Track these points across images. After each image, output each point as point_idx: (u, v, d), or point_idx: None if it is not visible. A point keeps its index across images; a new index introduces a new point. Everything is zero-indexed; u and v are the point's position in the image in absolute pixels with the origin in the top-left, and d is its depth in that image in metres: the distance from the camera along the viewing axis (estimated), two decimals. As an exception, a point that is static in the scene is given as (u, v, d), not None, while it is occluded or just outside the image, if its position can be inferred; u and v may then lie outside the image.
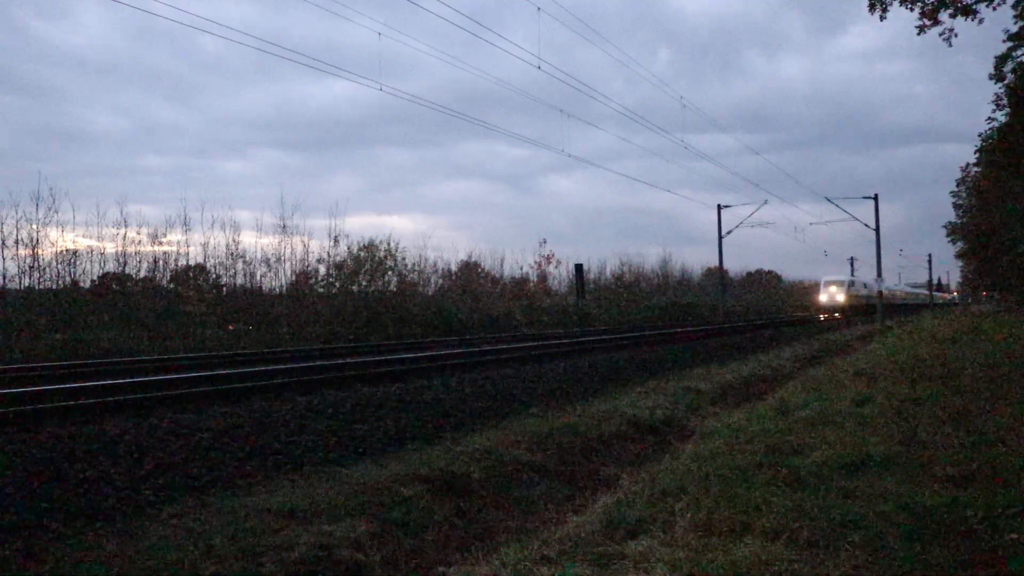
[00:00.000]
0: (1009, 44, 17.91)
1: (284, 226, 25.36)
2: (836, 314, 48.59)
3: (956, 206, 57.71)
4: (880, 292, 42.83)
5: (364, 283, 27.90)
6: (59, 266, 20.06)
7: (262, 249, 28.46)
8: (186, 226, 22.89)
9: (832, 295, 50.32)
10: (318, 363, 12.62)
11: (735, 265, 70.37)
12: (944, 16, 14.52)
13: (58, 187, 24.51)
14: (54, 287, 19.74)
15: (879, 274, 41.83)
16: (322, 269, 27.20)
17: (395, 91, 40.12)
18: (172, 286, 22.60)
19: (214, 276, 24.10)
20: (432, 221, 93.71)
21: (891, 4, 14.43)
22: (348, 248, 27.65)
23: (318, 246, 29.95)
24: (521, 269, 40.83)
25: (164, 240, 22.68)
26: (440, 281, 35.09)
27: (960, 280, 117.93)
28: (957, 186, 55.66)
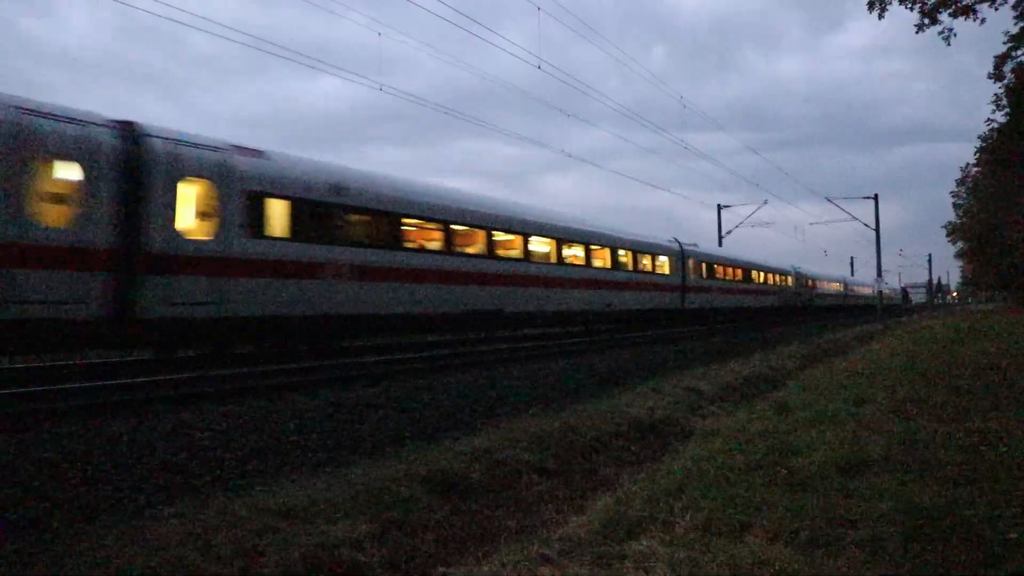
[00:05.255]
0: (1009, 44, 17.95)
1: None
2: None
3: (956, 206, 57.81)
4: (880, 291, 43.02)
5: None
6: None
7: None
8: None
9: None
10: (318, 363, 12.60)
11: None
12: (944, 16, 14.54)
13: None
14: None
15: (879, 274, 42.14)
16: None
17: (394, 91, 39.82)
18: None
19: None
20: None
21: (890, 3, 14.43)
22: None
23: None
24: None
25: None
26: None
27: (960, 280, 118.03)
28: (957, 186, 55.75)
